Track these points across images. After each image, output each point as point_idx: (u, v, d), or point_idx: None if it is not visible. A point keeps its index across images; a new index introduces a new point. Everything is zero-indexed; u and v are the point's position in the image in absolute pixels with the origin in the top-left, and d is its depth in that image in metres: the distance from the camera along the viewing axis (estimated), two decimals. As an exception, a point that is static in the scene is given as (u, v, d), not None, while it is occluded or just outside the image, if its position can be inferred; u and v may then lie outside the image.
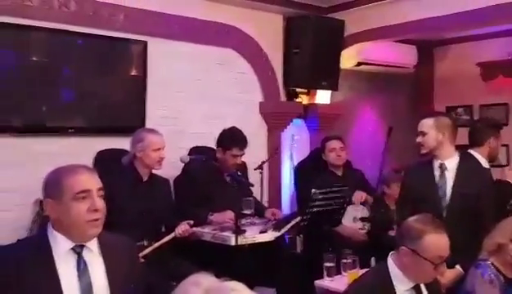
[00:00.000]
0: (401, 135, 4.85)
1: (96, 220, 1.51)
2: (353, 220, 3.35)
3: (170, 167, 3.48)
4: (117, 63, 3.41)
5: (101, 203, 1.52)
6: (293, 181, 4.32)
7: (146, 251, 2.63)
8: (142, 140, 2.79)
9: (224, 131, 3.23)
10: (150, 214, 2.78)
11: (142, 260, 2.48)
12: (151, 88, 3.57)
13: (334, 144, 3.62)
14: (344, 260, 2.56)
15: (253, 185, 3.06)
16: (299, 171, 4.01)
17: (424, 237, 1.76)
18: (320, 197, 2.97)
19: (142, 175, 2.82)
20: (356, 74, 5.14)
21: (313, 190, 2.95)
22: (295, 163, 4.36)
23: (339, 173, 3.62)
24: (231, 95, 4.06)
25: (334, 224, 3.24)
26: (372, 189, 3.47)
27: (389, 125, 3.43)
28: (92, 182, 1.52)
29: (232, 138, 3.14)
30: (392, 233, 3.22)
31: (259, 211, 3.25)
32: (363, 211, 3.36)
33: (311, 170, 3.79)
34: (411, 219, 1.85)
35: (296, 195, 4.02)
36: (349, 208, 3.34)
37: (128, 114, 3.45)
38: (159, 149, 2.79)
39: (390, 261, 1.86)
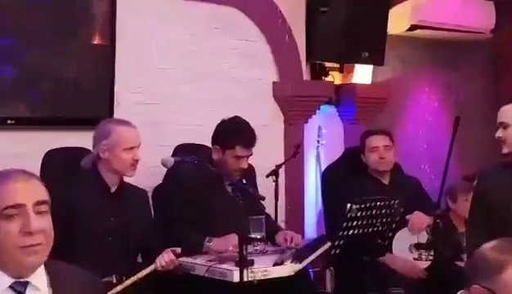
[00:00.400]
0: (473, 128, 4.83)
1: (34, 245, 1.50)
2: (409, 248, 3.35)
3: (148, 174, 3.49)
4: (73, 27, 3.41)
5: (40, 223, 1.50)
6: (320, 193, 4.32)
7: (115, 290, 2.64)
8: (109, 135, 2.81)
9: (223, 122, 3.23)
10: (121, 238, 2.79)
11: None
12: (122, 62, 3.57)
13: (378, 140, 3.61)
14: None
15: (264, 198, 3.06)
16: (329, 178, 4.02)
17: (506, 271, 1.73)
18: (358, 214, 2.96)
19: (110, 185, 2.84)
20: (409, 42, 5.12)
21: (349, 205, 2.95)
22: (323, 167, 4.36)
23: (385, 181, 3.61)
24: (233, 73, 4.06)
25: (378, 254, 3.23)
26: (433, 204, 3.46)
27: (456, 114, 3.41)
28: (26, 194, 1.50)
29: (235, 133, 3.15)
30: (460, 264, 3.20)
31: (273, 234, 3.25)
32: (421, 236, 3.35)
33: (345, 177, 3.79)
34: (488, 246, 1.83)
35: (324, 212, 4.02)
36: (402, 233, 3.33)
37: (90, 100, 3.46)
38: (131, 147, 2.81)
39: None
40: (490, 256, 1.77)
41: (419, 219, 3.33)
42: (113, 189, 2.83)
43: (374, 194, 3.25)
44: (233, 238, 2.93)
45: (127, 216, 2.82)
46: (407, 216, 3.35)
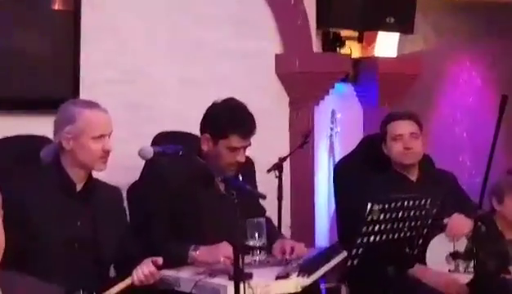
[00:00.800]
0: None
1: None
2: (446, 259, 3.38)
3: (122, 169, 3.52)
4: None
5: None
6: (333, 191, 4.36)
7: None
8: (73, 120, 2.82)
9: (215, 106, 3.24)
10: (90, 247, 2.82)
11: None
12: (90, 32, 3.59)
13: (402, 127, 3.62)
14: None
15: (265, 197, 3.08)
16: (343, 172, 4.04)
17: None
18: (381, 217, 3.00)
19: (75, 181, 2.86)
20: (444, 5, 5.13)
21: (369, 206, 2.98)
22: (338, 159, 4.39)
23: (412, 177, 3.64)
24: (225, 45, 4.08)
25: (405, 265, 3.26)
26: (474, 205, 3.50)
27: (503, 93, 3.43)
28: None
29: (230, 119, 3.16)
30: (508, 277, 3.24)
31: (272, 242, 3.25)
32: (460, 243, 3.38)
33: (363, 171, 3.81)
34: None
35: (337, 215, 4.06)
36: (437, 239, 3.37)
37: (50, 77, 3.48)
38: (101, 136, 2.83)
39: None
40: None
41: (460, 222, 3.34)
42: (79, 187, 2.86)
43: (398, 193, 3.27)
44: (224, 247, 2.95)
45: (96, 220, 2.84)
46: (445, 220, 3.37)
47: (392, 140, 3.61)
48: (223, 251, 2.95)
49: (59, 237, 2.77)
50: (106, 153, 2.84)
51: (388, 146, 3.64)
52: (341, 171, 4.04)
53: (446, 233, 3.36)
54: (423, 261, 3.38)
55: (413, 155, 3.59)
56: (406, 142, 3.57)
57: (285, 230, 4.03)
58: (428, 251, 3.36)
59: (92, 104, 2.89)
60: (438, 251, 3.37)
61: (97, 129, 2.82)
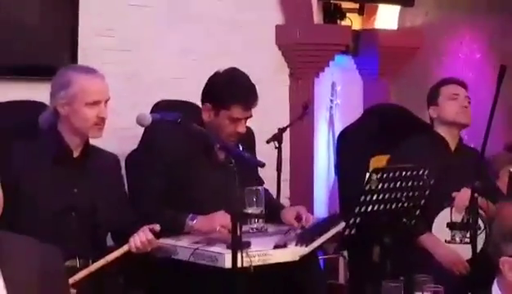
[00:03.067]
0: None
1: None
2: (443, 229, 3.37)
3: (120, 137, 3.50)
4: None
5: None
6: (334, 162, 4.35)
7: (80, 275, 2.65)
8: (68, 85, 2.78)
9: (217, 75, 3.20)
10: (86, 214, 2.80)
11: (73, 291, 2.50)
12: (86, 1, 3.56)
13: (458, 88, 3.62)
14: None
15: (263, 165, 3.04)
16: (345, 142, 4.01)
17: None
18: (379, 186, 2.97)
19: (72, 148, 2.83)
20: (445, -21, 5.08)
21: (368, 174, 2.95)
22: (337, 133, 4.37)
23: (452, 146, 3.60)
24: (226, 15, 4.05)
25: (403, 237, 3.24)
26: (493, 187, 3.50)
27: (501, 63, 3.39)
28: None
29: (232, 89, 3.12)
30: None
31: (274, 211, 3.25)
32: (458, 214, 3.36)
33: (369, 141, 3.77)
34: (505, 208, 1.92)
35: (339, 185, 4.04)
36: (444, 213, 3.35)
37: (47, 44, 3.45)
38: (96, 102, 2.79)
39: (496, 292, 1.91)
40: (506, 220, 1.86)
41: (465, 196, 3.29)
42: (76, 154, 2.83)
43: (438, 161, 3.27)
44: (221, 216, 2.94)
45: (93, 187, 2.81)
46: (454, 194, 3.36)
47: (448, 99, 3.59)
48: (220, 220, 2.93)
49: (55, 204, 2.75)
50: (101, 120, 2.80)
51: (441, 107, 3.60)
52: (343, 140, 4.03)
53: (453, 206, 3.35)
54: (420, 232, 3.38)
55: (468, 115, 3.59)
56: (462, 102, 3.58)
57: (284, 201, 4.01)
58: (434, 222, 3.38)
59: (88, 70, 2.85)
60: (443, 222, 3.37)
61: (92, 95, 2.77)
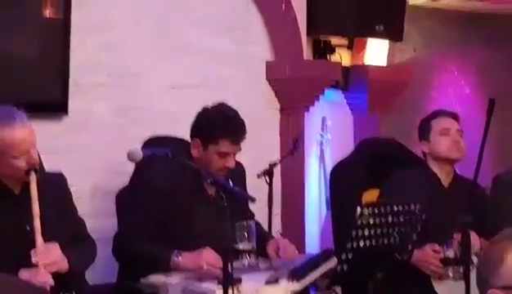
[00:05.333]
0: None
1: None
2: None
3: (112, 173, 3.49)
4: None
5: None
6: (326, 197, 4.34)
7: None
8: None
9: (206, 110, 3.22)
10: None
11: None
12: (79, 36, 3.58)
13: (450, 122, 3.56)
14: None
15: (254, 200, 3.04)
16: (338, 176, 4.00)
17: (506, 258, 1.82)
18: (370, 221, 2.96)
19: (11, 187, 2.77)
20: (433, 14, 5.13)
21: (359, 209, 2.94)
22: (328, 168, 4.36)
23: (445, 182, 3.57)
24: (217, 50, 4.08)
25: (394, 270, 3.22)
26: (497, 226, 3.40)
27: (490, 96, 3.40)
28: None
29: (220, 123, 3.13)
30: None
31: (264, 244, 3.24)
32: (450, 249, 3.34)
33: (362, 175, 3.77)
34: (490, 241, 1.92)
35: (332, 220, 4.02)
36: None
37: (40, 81, 3.46)
38: (24, 151, 2.68)
39: None
40: (488, 250, 1.85)
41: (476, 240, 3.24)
42: (17, 191, 2.77)
43: (430, 198, 3.24)
44: (207, 253, 2.94)
45: (44, 218, 2.67)
46: (455, 235, 3.28)
47: (439, 134, 3.54)
48: (206, 257, 2.93)
49: (10, 248, 2.68)
50: (32, 165, 2.71)
51: (433, 143, 3.55)
52: (336, 175, 4.02)
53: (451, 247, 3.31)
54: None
55: (461, 150, 3.52)
56: (454, 136, 3.52)
57: (276, 236, 3.99)
58: None
59: (6, 122, 2.69)
60: None
61: (15, 148, 2.67)
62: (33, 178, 2.68)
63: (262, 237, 3.28)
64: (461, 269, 3.19)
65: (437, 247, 3.32)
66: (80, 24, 3.57)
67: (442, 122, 3.57)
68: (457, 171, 3.72)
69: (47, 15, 3.50)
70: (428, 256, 3.33)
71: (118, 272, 3.26)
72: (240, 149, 3.17)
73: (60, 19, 3.51)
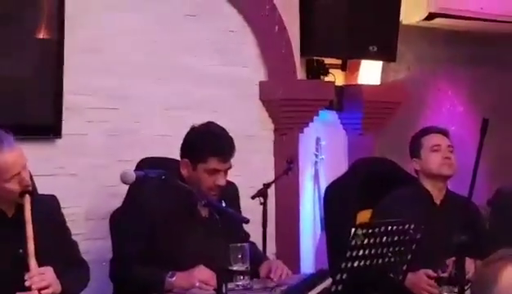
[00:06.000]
0: (507, 134, 4.85)
1: None
2: None
3: (105, 195, 3.49)
4: (15, 18, 3.42)
5: None
6: (321, 217, 4.33)
7: None
8: None
9: (193, 130, 3.23)
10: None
11: None
12: (73, 59, 3.58)
13: (440, 138, 3.57)
14: None
15: (248, 221, 3.04)
16: (333, 196, 4.00)
17: (500, 278, 1.82)
18: (364, 242, 2.95)
19: (4, 210, 2.76)
20: (426, 34, 5.16)
21: (353, 230, 2.93)
22: (322, 188, 4.36)
23: (437, 199, 3.56)
24: (210, 71, 4.08)
25: (389, 291, 3.21)
26: (492, 244, 3.37)
27: (484, 116, 3.41)
28: None
29: (207, 141, 3.13)
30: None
31: (258, 265, 3.23)
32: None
33: (356, 195, 3.76)
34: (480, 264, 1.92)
35: (327, 240, 4.01)
36: None
37: (33, 104, 3.46)
38: (15, 175, 2.68)
39: None
40: (482, 271, 1.85)
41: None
42: (10, 213, 2.77)
43: (422, 215, 3.23)
44: (200, 271, 2.93)
45: (37, 240, 2.67)
46: (447, 261, 3.25)
47: (430, 151, 3.54)
48: (199, 276, 2.92)
49: (3, 272, 2.67)
50: (26, 187, 2.71)
51: (424, 160, 3.55)
52: (331, 194, 4.01)
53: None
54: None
55: (452, 166, 3.53)
56: (444, 153, 3.53)
57: (270, 257, 3.97)
58: None
59: None
60: None
61: (6, 172, 2.67)
62: (27, 200, 2.68)
63: (257, 258, 3.27)
64: (456, 289, 3.19)
65: (430, 271, 3.31)
66: (73, 46, 3.57)
67: (432, 139, 3.57)
68: (450, 189, 3.73)
69: (41, 36, 3.50)
70: (422, 281, 3.32)
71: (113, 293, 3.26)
72: (230, 167, 3.16)
73: (54, 40, 3.50)
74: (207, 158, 3.09)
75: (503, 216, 3.29)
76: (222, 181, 3.13)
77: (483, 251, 3.24)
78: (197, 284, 2.91)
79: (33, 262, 2.61)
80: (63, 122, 3.49)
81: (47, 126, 3.49)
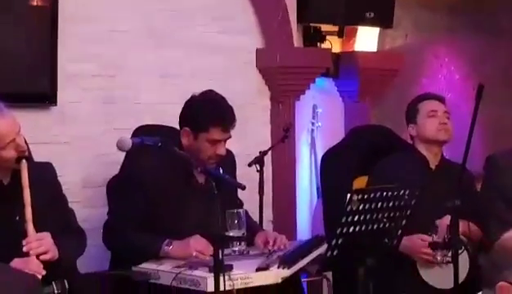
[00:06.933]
0: (502, 104, 4.86)
1: None
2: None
3: (101, 164, 3.50)
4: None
5: None
6: (317, 184, 4.35)
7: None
8: None
9: (194, 99, 3.22)
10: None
11: None
12: (67, 27, 3.58)
13: (436, 104, 3.61)
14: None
15: (244, 187, 3.05)
16: (329, 164, 4.02)
17: None
18: (360, 207, 2.97)
19: (1, 178, 2.77)
20: (424, 2, 5.13)
21: (349, 196, 2.95)
22: (319, 155, 4.38)
23: (432, 164, 3.60)
24: (206, 39, 4.08)
25: (383, 256, 3.25)
26: (484, 210, 3.38)
27: (480, 83, 3.42)
28: None
29: (209, 111, 3.14)
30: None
31: (251, 234, 3.24)
32: (439, 233, 3.35)
33: (353, 162, 3.79)
34: (509, 235, 1.89)
35: (324, 207, 4.04)
36: None
37: (28, 72, 3.46)
38: (10, 141, 2.69)
39: None
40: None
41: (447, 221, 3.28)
42: (6, 182, 2.78)
43: (416, 181, 3.25)
44: (196, 241, 2.96)
45: (34, 207, 2.69)
46: (437, 222, 3.32)
47: (426, 116, 3.57)
48: (195, 245, 2.95)
49: (2, 240, 2.68)
50: (22, 152, 2.72)
51: (420, 125, 3.59)
52: (328, 162, 4.02)
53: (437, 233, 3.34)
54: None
55: (448, 132, 3.57)
56: (441, 118, 3.56)
57: (267, 224, 4.02)
58: None
59: None
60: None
61: (3, 139, 2.68)
62: (23, 166, 2.69)
63: (251, 227, 3.28)
64: (450, 254, 3.22)
65: (425, 236, 3.35)
66: (68, 13, 3.56)
67: (428, 105, 3.60)
68: (445, 155, 3.76)
69: (35, 3, 3.48)
70: (417, 245, 3.36)
71: (110, 261, 3.28)
72: (230, 136, 3.17)
73: (48, 7, 3.49)
74: (209, 127, 3.09)
75: (493, 181, 3.31)
76: (222, 151, 3.14)
77: (476, 215, 3.33)
78: (194, 254, 2.93)
79: (30, 228, 2.63)
80: (58, 89, 3.50)
81: (42, 94, 3.50)
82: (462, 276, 3.19)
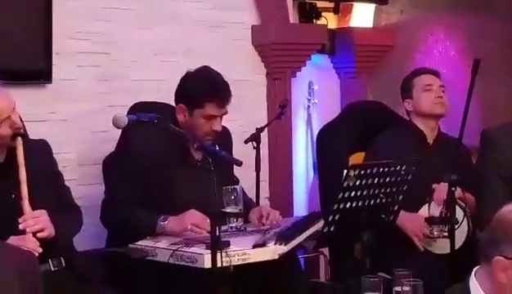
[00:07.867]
0: (498, 81, 4.85)
1: None
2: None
3: (97, 141, 3.49)
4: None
5: None
6: (313, 160, 4.35)
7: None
8: None
9: (189, 75, 3.21)
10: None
11: None
12: (61, 3, 3.55)
13: (432, 78, 3.62)
14: (398, 289, 2.57)
15: (241, 163, 3.05)
16: (325, 140, 4.02)
17: None
18: (357, 183, 2.97)
19: None
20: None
21: (345, 171, 2.95)
22: (315, 132, 4.37)
23: (430, 139, 3.60)
24: (201, 15, 4.05)
25: (380, 231, 3.25)
26: (480, 182, 3.39)
27: (475, 57, 3.42)
28: None
29: (204, 87, 3.13)
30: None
31: (249, 210, 3.26)
32: (435, 208, 3.36)
33: (349, 138, 3.79)
34: (506, 209, 1.89)
35: (320, 184, 4.04)
36: (426, 207, 3.34)
37: (24, 49, 3.44)
38: (5, 119, 2.67)
39: (474, 283, 1.90)
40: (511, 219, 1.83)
41: (445, 188, 3.29)
42: (1, 160, 2.77)
43: (415, 154, 3.28)
44: (191, 215, 2.96)
45: (29, 182, 2.68)
46: (434, 185, 3.35)
47: (422, 90, 3.59)
48: (190, 219, 2.95)
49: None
50: (17, 129, 2.71)
51: (416, 99, 3.60)
52: (323, 138, 4.02)
53: (433, 199, 3.35)
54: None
55: (444, 105, 3.57)
56: (436, 92, 3.57)
57: (264, 201, 4.02)
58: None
59: None
60: (422, 218, 3.37)
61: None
62: (19, 143, 2.68)
63: (246, 203, 3.28)
64: (446, 228, 3.24)
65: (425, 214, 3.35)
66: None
67: (424, 79, 3.61)
68: (442, 130, 3.76)
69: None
70: (413, 220, 3.36)
71: (106, 238, 3.28)
72: (226, 112, 3.17)
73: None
74: (204, 103, 3.09)
75: (487, 156, 3.32)
76: (218, 127, 3.14)
77: (472, 188, 3.34)
78: (189, 228, 2.94)
79: (26, 205, 2.62)
80: (53, 66, 3.47)
81: (37, 71, 3.47)
82: (461, 240, 3.22)
